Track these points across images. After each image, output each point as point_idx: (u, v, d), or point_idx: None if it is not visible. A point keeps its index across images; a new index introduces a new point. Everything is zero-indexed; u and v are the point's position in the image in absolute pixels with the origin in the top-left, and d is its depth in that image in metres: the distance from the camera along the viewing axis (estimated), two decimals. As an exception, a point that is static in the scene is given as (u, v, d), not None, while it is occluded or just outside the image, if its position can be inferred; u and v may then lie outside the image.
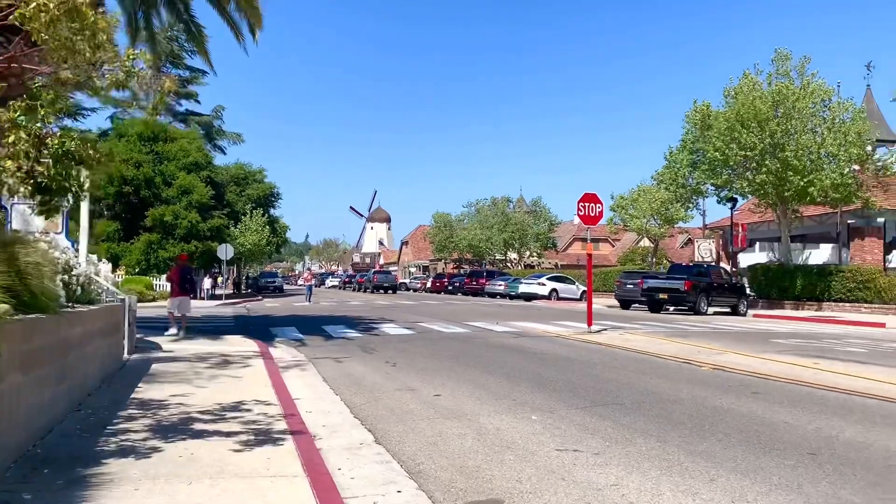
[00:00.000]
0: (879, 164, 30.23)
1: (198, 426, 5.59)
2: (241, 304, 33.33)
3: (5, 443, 4.24)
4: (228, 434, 5.34)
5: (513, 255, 63.09)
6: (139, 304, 13.48)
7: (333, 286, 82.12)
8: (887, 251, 30.92)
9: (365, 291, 56.41)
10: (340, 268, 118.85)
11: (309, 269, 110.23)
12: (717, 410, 6.85)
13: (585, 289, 21.61)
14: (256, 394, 7.15)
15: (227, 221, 40.43)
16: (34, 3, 4.22)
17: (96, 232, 32.04)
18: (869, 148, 28.09)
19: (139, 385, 7.65)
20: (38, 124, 4.86)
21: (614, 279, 33.89)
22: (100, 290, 9.07)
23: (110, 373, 8.28)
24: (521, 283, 41.17)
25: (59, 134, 5.13)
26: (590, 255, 17.22)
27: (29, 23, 4.26)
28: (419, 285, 61.59)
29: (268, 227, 50.24)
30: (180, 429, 5.49)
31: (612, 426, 6.08)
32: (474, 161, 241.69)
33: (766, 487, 4.39)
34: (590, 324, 16.23)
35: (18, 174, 4.81)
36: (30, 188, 5.02)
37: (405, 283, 66.61)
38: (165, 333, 13.42)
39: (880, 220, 30.14)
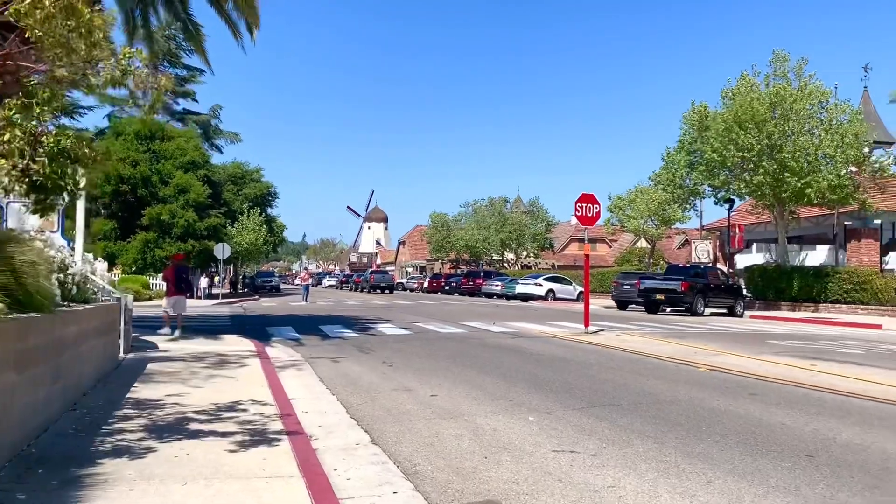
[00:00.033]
0: (876, 165, 30.28)
1: (193, 426, 5.57)
2: (237, 303, 33.29)
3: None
4: (224, 434, 5.31)
5: (510, 256, 63.11)
6: (135, 304, 13.44)
7: (330, 286, 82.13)
8: (884, 253, 31.00)
9: (362, 291, 56.38)
10: (337, 267, 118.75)
11: (306, 268, 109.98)
12: (715, 412, 6.84)
13: (582, 289, 21.59)
14: (252, 394, 7.12)
15: (224, 220, 40.36)
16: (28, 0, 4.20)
17: (93, 230, 31.92)
18: (866, 150, 28.14)
19: (135, 385, 7.62)
20: (34, 122, 4.83)
21: (611, 280, 33.94)
22: (95, 289, 9.04)
23: (106, 372, 8.25)
24: (518, 283, 41.17)
25: (54, 132, 5.10)
26: (587, 256, 17.22)
27: (24, 19, 4.23)
28: (416, 285, 61.56)
29: (265, 226, 50.21)
30: (176, 429, 5.46)
31: (608, 427, 6.07)
32: (472, 161, 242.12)
33: (763, 489, 4.38)
34: (587, 324, 16.23)
35: (13, 172, 4.78)
36: (25, 186, 4.99)
37: (402, 283, 66.59)
38: (158, 332, 13.38)
39: (877, 221, 30.21)
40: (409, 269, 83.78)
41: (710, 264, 32.86)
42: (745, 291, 29.22)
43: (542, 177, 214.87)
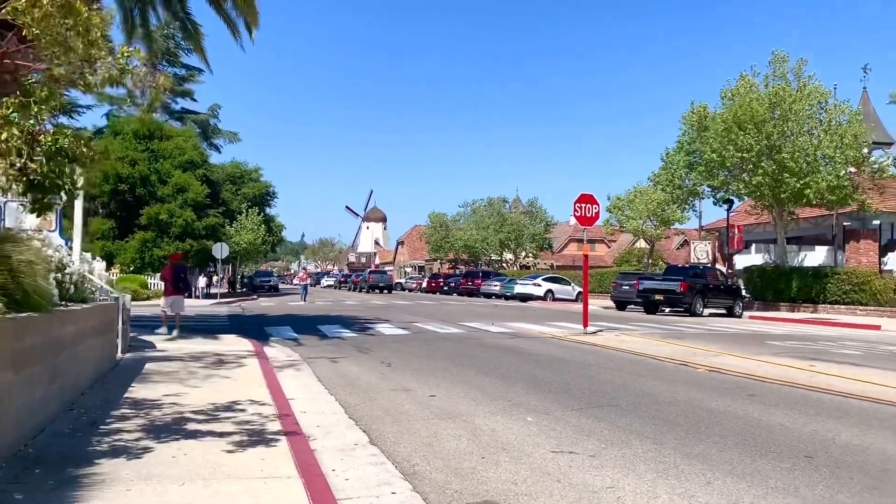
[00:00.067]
0: (875, 166, 30.33)
1: (191, 426, 5.55)
2: (236, 303, 33.27)
3: (-4, 443, 4.20)
4: (222, 434, 5.30)
5: (508, 256, 63.07)
6: (133, 303, 13.42)
7: (329, 286, 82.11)
8: (883, 254, 31.04)
9: (360, 291, 56.36)
10: (336, 267, 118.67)
11: (304, 268, 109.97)
12: (714, 412, 6.83)
13: (581, 290, 21.59)
14: (251, 394, 7.11)
15: (222, 220, 40.32)
16: (26, -2, 4.18)
17: (91, 230, 31.91)
18: (865, 150, 28.19)
19: (132, 384, 7.60)
20: (31, 121, 4.82)
21: (610, 280, 33.91)
22: (93, 289, 9.02)
23: (103, 372, 8.23)
24: (517, 283, 41.15)
25: (52, 131, 5.09)
26: (586, 256, 17.22)
27: (22, 17, 4.22)
28: (415, 285, 61.56)
29: (263, 226, 50.20)
30: (173, 429, 5.45)
31: (607, 428, 6.06)
32: (471, 162, 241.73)
33: (762, 490, 4.37)
34: (585, 325, 16.22)
35: (11, 171, 4.76)
36: (22, 186, 4.98)
37: (401, 283, 66.56)
38: (156, 332, 13.36)
39: (876, 222, 30.24)
40: (408, 270, 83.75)
41: (709, 265, 32.86)
42: (743, 292, 29.23)
43: (541, 177, 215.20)
